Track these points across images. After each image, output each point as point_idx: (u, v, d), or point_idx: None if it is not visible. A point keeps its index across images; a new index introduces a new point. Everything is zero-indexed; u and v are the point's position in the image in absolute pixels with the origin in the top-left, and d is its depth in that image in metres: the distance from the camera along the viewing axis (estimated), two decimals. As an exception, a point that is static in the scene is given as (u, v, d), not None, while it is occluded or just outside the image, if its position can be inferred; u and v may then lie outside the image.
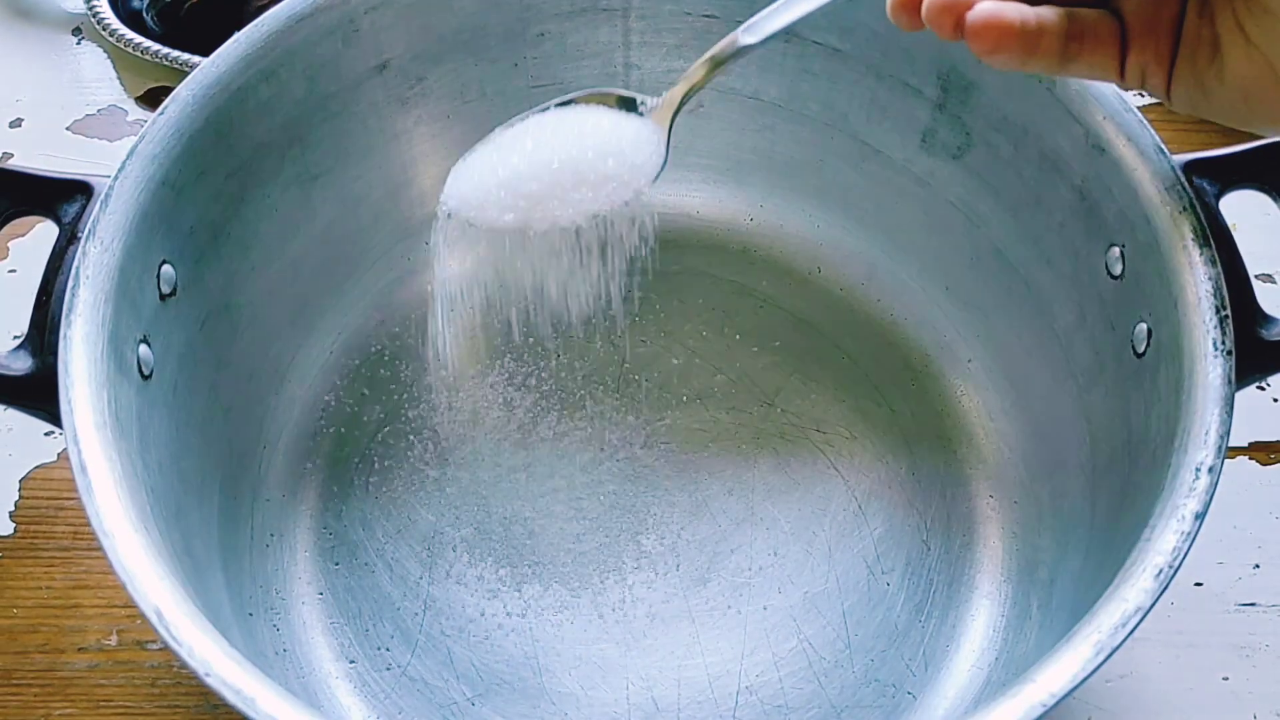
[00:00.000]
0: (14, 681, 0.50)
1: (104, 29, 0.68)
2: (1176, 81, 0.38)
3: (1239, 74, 0.37)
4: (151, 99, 0.68)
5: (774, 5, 0.42)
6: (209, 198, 0.48)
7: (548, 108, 0.46)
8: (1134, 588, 0.37)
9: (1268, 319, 0.43)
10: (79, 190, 0.45)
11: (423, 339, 0.58)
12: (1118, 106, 0.46)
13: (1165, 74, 0.38)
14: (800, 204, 0.60)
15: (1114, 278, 0.47)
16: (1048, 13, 0.37)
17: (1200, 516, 0.38)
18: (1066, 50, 0.37)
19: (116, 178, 0.44)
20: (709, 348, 0.58)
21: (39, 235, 0.62)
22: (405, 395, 0.57)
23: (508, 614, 0.51)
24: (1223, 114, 0.38)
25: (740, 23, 0.43)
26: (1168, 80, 0.38)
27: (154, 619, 0.36)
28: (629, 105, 0.46)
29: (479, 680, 0.50)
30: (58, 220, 0.44)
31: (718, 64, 0.43)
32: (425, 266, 0.59)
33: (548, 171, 0.43)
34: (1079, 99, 0.47)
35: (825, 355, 0.58)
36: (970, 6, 0.36)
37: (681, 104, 0.45)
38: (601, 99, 0.46)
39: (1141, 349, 0.45)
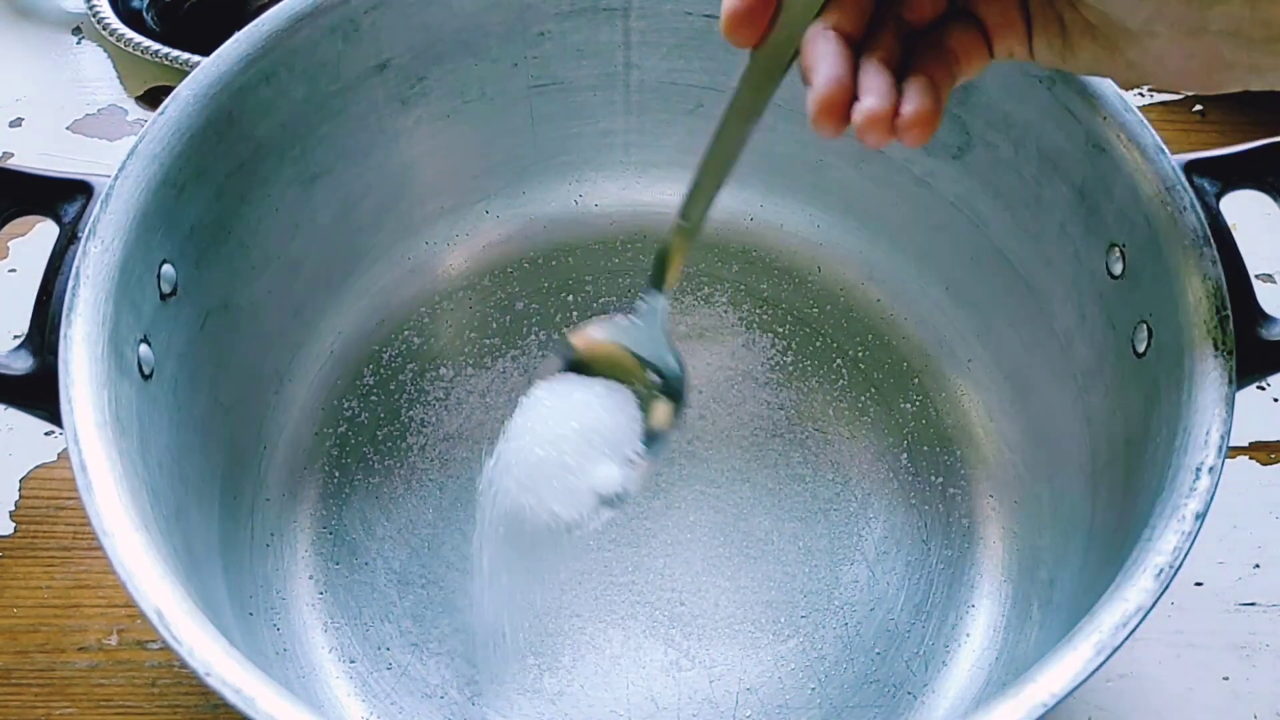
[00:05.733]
0: (14, 681, 0.50)
1: (104, 29, 0.68)
2: (1037, 53, 0.39)
3: (1086, 48, 0.38)
4: (151, 99, 0.68)
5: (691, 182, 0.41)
6: (209, 197, 0.48)
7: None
8: (1134, 588, 0.37)
9: (1268, 319, 0.43)
10: (79, 190, 0.45)
11: (422, 339, 0.58)
12: (1118, 106, 0.46)
13: (1027, 50, 0.39)
14: (800, 204, 0.60)
15: (1114, 277, 0.47)
16: (914, 87, 0.37)
17: (1201, 516, 0.38)
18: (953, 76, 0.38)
19: (117, 177, 0.44)
20: (709, 348, 0.58)
21: (39, 235, 0.62)
22: (405, 395, 0.57)
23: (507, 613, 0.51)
24: (1088, 70, 0.39)
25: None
26: (1030, 54, 0.39)
27: (154, 619, 0.36)
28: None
29: (479, 680, 0.49)
30: (58, 220, 0.44)
31: (672, 254, 0.44)
32: (425, 266, 0.59)
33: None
34: (1079, 99, 0.47)
35: (825, 355, 0.58)
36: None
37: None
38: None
39: (1142, 349, 0.45)
